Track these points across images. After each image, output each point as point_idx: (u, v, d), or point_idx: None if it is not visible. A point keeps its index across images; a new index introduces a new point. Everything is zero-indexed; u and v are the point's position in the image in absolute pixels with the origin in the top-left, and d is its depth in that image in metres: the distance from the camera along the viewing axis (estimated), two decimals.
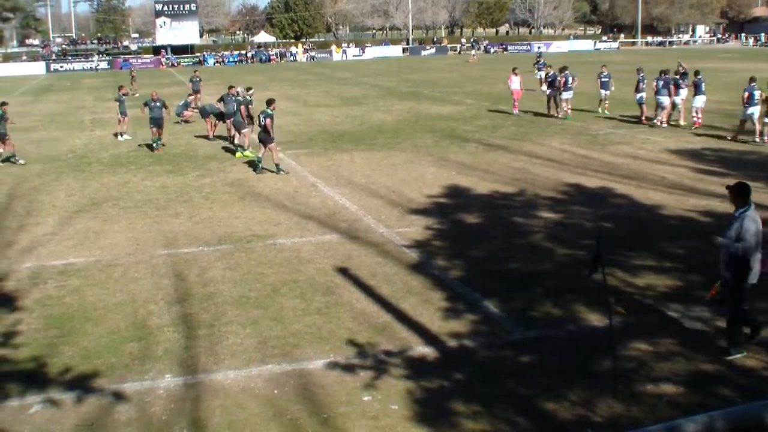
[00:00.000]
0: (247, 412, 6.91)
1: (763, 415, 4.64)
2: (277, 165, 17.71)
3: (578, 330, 8.56)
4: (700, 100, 22.64)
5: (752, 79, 20.58)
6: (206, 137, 23.73)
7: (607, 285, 7.34)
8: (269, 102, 17.63)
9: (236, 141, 20.86)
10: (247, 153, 19.97)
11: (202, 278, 10.54)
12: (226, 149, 21.57)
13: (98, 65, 70.48)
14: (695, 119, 22.82)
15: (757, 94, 20.15)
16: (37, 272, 11.02)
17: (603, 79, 26.73)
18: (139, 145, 22.49)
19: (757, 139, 20.18)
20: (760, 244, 7.47)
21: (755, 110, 20.22)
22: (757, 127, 20.30)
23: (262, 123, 17.28)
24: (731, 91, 30.64)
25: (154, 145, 21.70)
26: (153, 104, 21.43)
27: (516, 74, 27.60)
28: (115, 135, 24.45)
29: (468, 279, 10.27)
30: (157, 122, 21.48)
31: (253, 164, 18.29)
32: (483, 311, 9.16)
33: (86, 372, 7.74)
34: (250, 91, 21.51)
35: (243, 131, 20.28)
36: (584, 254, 10.64)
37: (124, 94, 23.96)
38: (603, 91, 26.81)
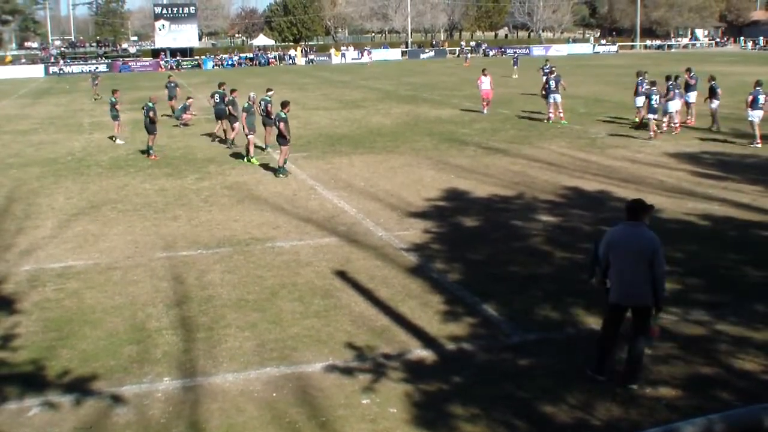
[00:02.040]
0: (246, 415, 6.90)
1: (761, 418, 4.64)
2: (279, 167, 17.76)
3: (577, 333, 8.56)
4: (674, 105, 22.77)
5: (758, 83, 20.68)
6: (210, 137, 24.30)
7: (606, 288, 7.34)
8: (283, 104, 17.48)
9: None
10: (253, 160, 19.74)
11: (200, 281, 10.54)
12: (236, 155, 21.55)
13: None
14: (674, 125, 22.90)
15: (761, 98, 20.21)
16: (36, 275, 11.01)
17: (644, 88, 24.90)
18: (142, 151, 22.39)
19: (759, 144, 20.21)
20: (616, 264, 7.08)
21: (756, 114, 20.29)
22: (757, 131, 20.37)
23: (276, 125, 17.28)
24: (728, 94, 30.68)
25: (150, 151, 21.37)
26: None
27: (485, 75, 28.67)
28: (111, 138, 24.41)
29: (467, 282, 10.27)
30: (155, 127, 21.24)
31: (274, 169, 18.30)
32: (482, 314, 9.16)
33: (85, 375, 7.73)
34: (270, 93, 21.29)
35: (249, 136, 19.67)
36: (583, 257, 10.65)
37: (116, 98, 23.91)
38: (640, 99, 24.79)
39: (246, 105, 19.80)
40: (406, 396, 7.16)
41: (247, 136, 19.67)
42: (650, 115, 21.68)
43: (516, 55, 59.07)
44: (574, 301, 9.37)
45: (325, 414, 6.87)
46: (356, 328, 8.77)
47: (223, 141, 23.23)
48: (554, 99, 25.68)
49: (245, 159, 19.88)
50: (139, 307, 9.60)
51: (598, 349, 7.37)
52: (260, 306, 9.53)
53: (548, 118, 25.94)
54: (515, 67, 50.11)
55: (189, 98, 29.44)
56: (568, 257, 11.23)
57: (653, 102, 21.44)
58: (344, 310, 9.37)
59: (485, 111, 28.85)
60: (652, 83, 22.31)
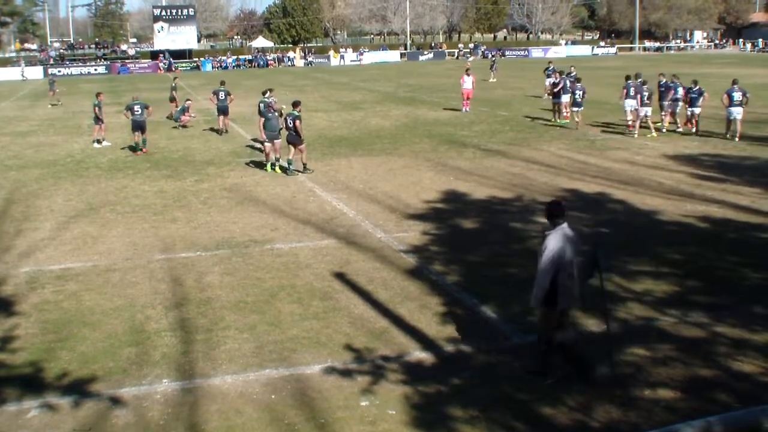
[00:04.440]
0: (245, 417, 6.90)
1: (760, 420, 4.65)
2: (304, 164, 18.13)
3: (576, 334, 8.55)
4: (629, 104, 23.18)
5: (734, 81, 21.82)
6: (217, 132, 25.70)
7: (605, 290, 7.34)
8: (295, 104, 17.80)
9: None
10: (277, 168, 18.59)
11: (199, 283, 10.53)
12: (252, 157, 21.54)
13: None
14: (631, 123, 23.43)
15: (737, 95, 21.14)
16: (35, 277, 11.01)
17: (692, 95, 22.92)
18: (122, 149, 22.47)
19: (737, 140, 21.05)
20: (566, 268, 7.05)
21: (733, 111, 21.20)
22: (738, 128, 21.31)
23: (291, 125, 17.41)
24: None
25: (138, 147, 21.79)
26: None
27: (468, 75, 30.27)
28: (94, 142, 24.12)
29: (465, 284, 10.28)
30: (141, 126, 21.71)
31: (283, 168, 18.30)
32: (480, 316, 9.16)
33: (84, 376, 7.73)
34: (267, 95, 21.25)
35: (266, 143, 18.77)
36: (582, 259, 10.63)
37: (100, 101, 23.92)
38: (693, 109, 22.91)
39: (262, 109, 19.05)
40: (405, 398, 7.16)
41: (263, 143, 18.84)
42: (575, 108, 24.28)
43: (494, 58, 58.81)
44: None
45: (324, 416, 6.87)
46: (355, 330, 8.77)
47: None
48: (564, 100, 25.80)
49: (270, 167, 18.60)
50: (138, 309, 9.60)
51: (577, 359, 7.33)
52: (259, 308, 9.53)
53: (564, 117, 26.11)
54: (493, 70, 49.17)
55: (188, 100, 29.41)
56: None
57: (577, 96, 24.09)
58: (343, 311, 9.37)
59: (466, 109, 30.05)
60: (578, 79, 25.28)
